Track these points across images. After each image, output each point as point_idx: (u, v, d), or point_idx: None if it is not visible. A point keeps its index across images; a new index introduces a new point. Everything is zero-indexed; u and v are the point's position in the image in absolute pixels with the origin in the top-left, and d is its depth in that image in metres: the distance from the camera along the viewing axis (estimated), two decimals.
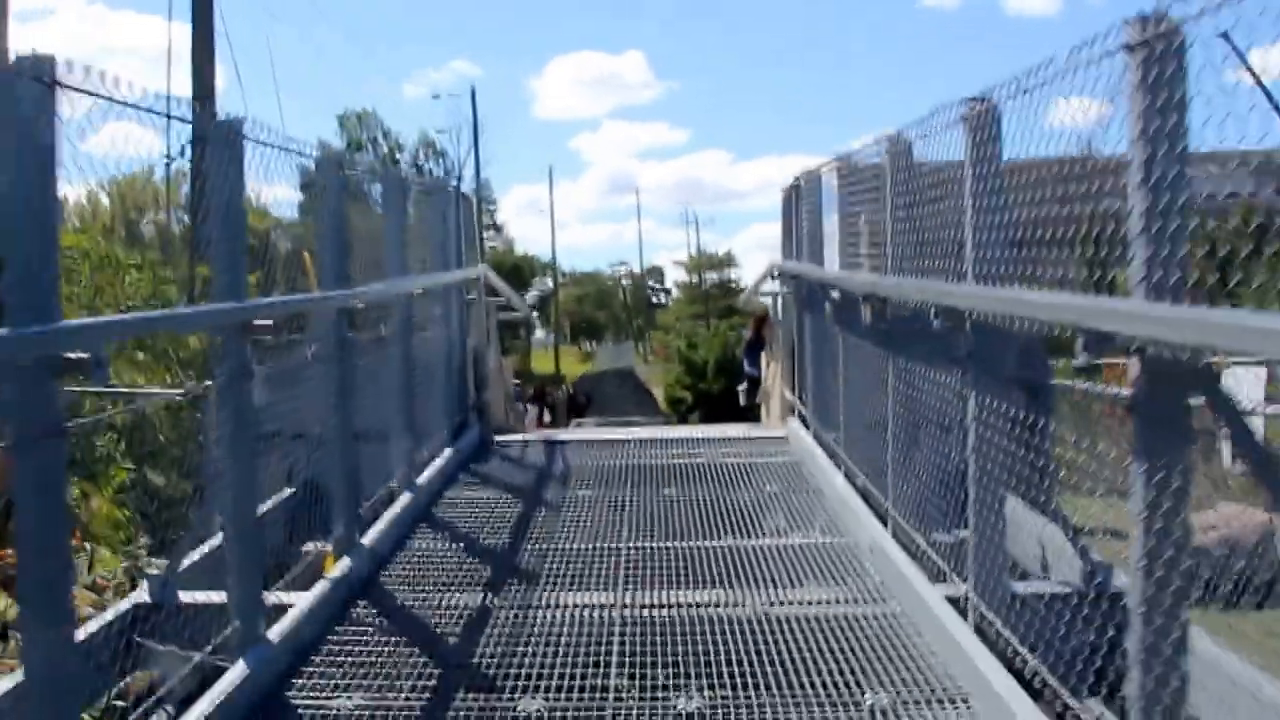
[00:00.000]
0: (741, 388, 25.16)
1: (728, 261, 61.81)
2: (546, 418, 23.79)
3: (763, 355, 12.59)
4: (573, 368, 56.51)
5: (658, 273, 73.77)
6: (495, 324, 11.90)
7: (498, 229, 66.27)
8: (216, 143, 3.97)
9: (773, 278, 9.54)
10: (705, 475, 7.35)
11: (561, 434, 9.18)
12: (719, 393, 32.03)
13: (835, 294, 6.46)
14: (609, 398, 25.44)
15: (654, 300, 71.51)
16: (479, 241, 10.02)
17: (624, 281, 72.00)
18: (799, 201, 8.54)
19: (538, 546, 5.76)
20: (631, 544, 5.73)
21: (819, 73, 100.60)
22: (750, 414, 23.60)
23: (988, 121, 3.62)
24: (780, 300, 9.62)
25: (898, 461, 5.08)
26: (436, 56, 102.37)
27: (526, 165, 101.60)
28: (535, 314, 66.88)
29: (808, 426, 8.19)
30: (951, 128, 3.94)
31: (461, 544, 5.85)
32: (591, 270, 72.61)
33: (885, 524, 5.29)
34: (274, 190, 4.54)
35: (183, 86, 16.51)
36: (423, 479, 6.75)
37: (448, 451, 7.63)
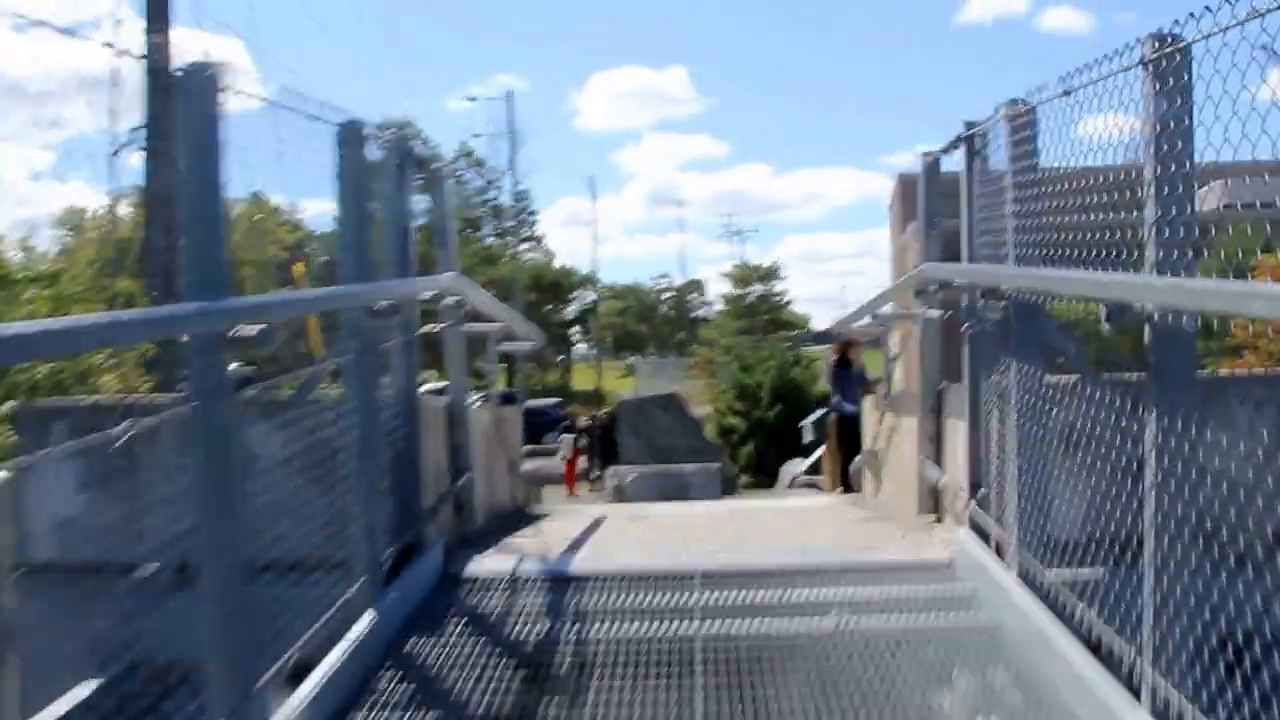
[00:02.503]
0: (808, 421, 21.31)
1: (772, 273, 57.89)
2: (582, 462, 20.41)
3: (866, 399, 9.03)
4: (614, 384, 53.93)
5: (699, 286, 70.32)
6: (494, 359, 8.49)
7: (538, 240, 63.33)
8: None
9: (917, 293, 5.94)
10: (841, 680, 3.83)
11: (576, 558, 5.64)
12: (774, 421, 28.42)
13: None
14: (653, 428, 21.93)
15: (694, 316, 68.04)
16: (454, 238, 6.45)
17: (665, 294, 68.66)
18: (975, 168, 5.05)
19: None
20: None
21: (856, 87, 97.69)
22: (811, 449, 19.70)
23: None
24: (923, 328, 6.06)
25: None
26: (480, 71, 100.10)
27: (569, 179, 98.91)
28: (578, 328, 63.95)
29: (999, 552, 4.69)
30: None
31: None
32: (632, 283, 69.33)
33: None
34: None
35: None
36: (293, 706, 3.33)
37: (367, 618, 4.17)
